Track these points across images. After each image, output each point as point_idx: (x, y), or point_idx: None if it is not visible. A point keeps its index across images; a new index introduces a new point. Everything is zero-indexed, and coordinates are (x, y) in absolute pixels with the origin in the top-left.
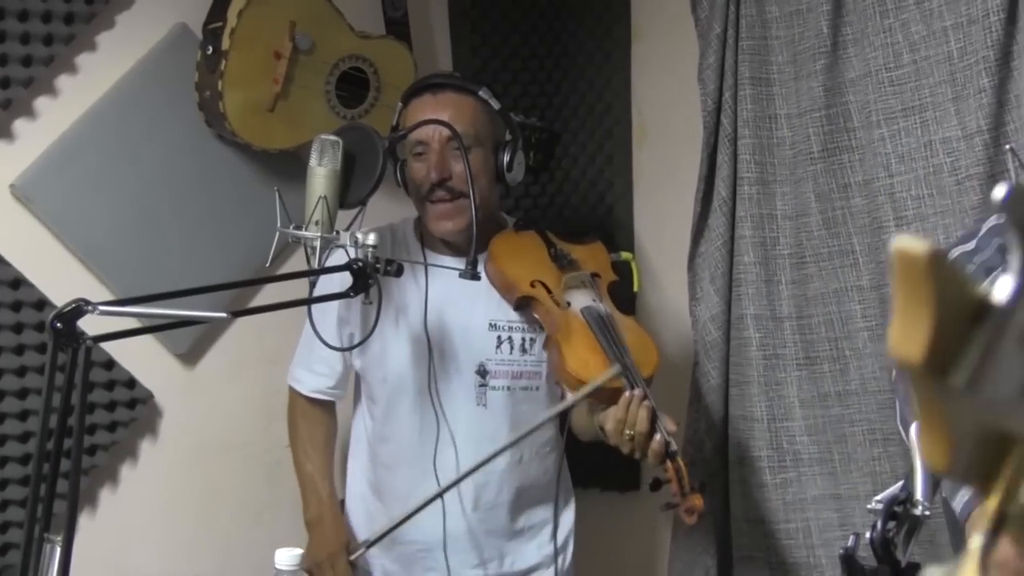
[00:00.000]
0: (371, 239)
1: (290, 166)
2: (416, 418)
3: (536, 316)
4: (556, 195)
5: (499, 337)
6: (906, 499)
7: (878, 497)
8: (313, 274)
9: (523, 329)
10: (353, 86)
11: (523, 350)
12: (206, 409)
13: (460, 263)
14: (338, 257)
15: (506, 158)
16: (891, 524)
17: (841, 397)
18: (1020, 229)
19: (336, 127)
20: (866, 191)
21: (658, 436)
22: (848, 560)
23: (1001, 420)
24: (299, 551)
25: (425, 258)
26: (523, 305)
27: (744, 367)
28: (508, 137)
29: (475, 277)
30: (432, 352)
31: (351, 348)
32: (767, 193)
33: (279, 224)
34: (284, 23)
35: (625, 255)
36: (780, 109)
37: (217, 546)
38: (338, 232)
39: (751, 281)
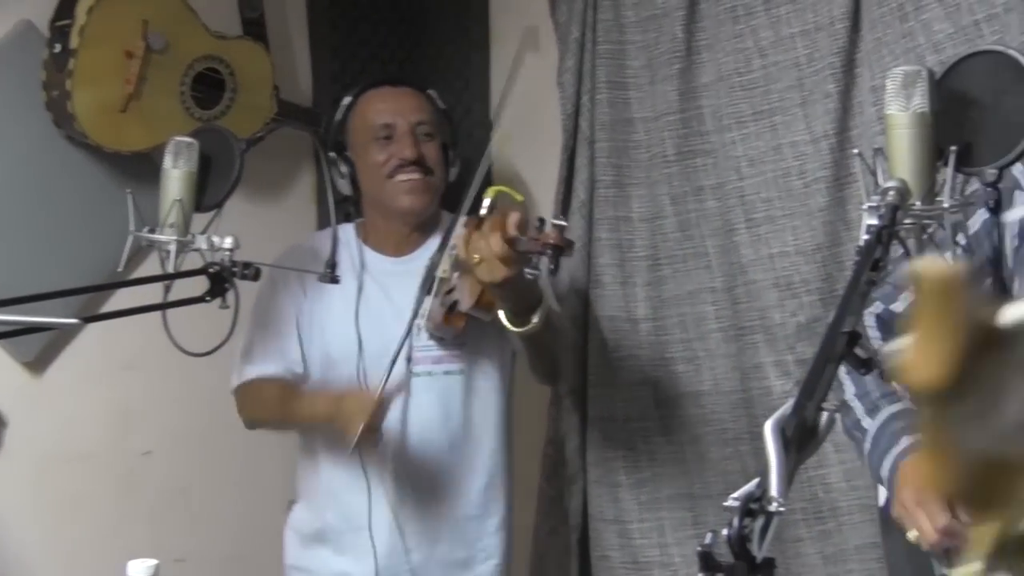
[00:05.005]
0: (227, 242)
1: (143, 168)
2: None
3: None
4: None
5: (419, 324)
6: (761, 496)
7: (734, 495)
8: (167, 279)
9: None
10: (209, 87)
11: None
12: (55, 419)
13: (399, 264)
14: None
15: (451, 154)
16: (747, 521)
17: (695, 397)
18: None
19: (191, 128)
20: (719, 194)
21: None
22: (706, 557)
23: (1006, 447)
24: (153, 562)
25: (363, 257)
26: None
27: (602, 368)
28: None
29: (335, 281)
30: (362, 344)
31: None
32: (623, 196)
33: (132, 227)
34: (136, 22)
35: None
36: (636, 113)
37: (65, 559)
38: (193, 235)
39: (607, 283)
